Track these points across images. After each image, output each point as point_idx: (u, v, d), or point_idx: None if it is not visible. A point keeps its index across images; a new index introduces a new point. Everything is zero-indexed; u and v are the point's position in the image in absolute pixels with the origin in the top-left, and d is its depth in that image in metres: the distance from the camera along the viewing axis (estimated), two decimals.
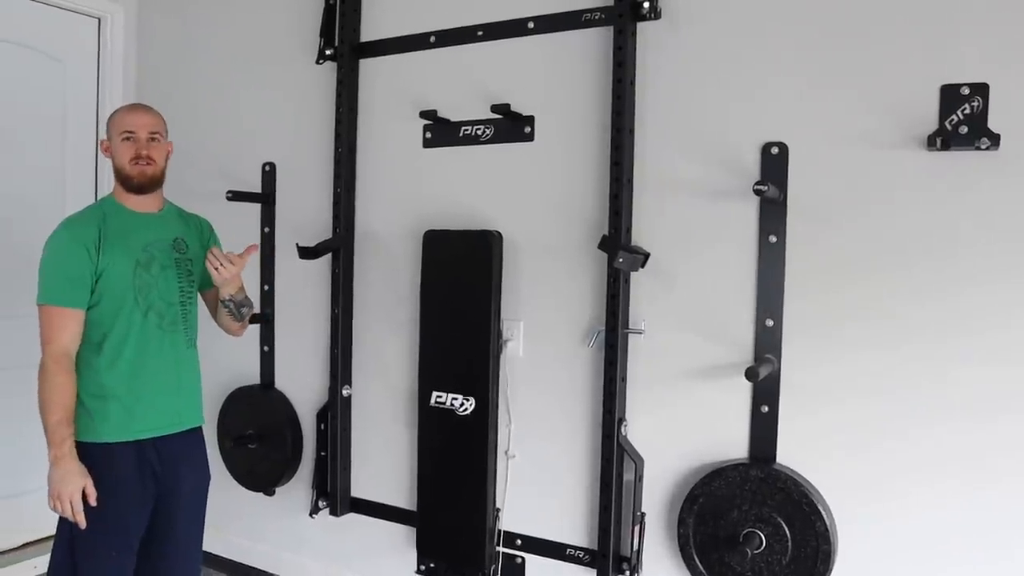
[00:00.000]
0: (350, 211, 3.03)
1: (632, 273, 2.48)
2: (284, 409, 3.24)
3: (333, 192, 3.03)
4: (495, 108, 2.62)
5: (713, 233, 2.40)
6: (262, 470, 3.26)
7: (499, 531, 2.73)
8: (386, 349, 3.01)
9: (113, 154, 2.29)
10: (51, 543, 2.29)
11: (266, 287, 3.28)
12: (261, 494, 3.32)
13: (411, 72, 2.93)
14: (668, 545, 2.49)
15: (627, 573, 2.50)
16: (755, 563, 2.27)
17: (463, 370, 2.70)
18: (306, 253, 2.91)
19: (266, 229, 3.26)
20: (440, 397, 2.72)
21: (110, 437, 2.19)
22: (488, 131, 2.75)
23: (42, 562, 2.36)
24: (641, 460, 2.50)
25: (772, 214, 2.30)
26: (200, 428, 2.44)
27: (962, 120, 2.05)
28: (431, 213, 2.87)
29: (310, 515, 3.10)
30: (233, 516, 3.41)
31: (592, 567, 2.57)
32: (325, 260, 3.05)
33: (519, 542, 2.73)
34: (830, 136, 2.23)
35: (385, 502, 3.03)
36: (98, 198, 3.32)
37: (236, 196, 3.11)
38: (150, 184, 2.30)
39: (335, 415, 3.04)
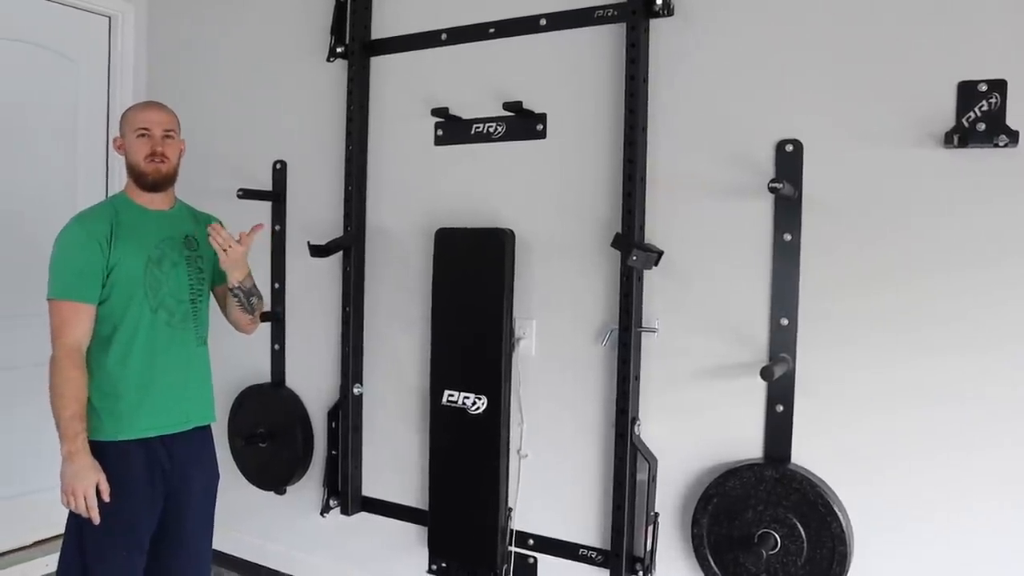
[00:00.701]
0: (361, 209, 3.02)
1: (645, 271, 2.46)
2: (295, 408, 3.23)
3: (344, 190, 3.02)
4: (507, 106, 2.61)
5: (727, 231, 2.38)
6: (273, 469, 3.25)
7: (511, 531, 2.72)
8: (397, 347, 3.00)
9: (127, 151, 2.28)
10: (61, 541, 2.29)
11: (277, 285, 3.28)
12: (272, 493, 3.31)
13: (422, 69, 2.92)
14: (682, 545, 2.48)
15: (640, 573, 2.49)
16: (770, 564, 2.25)
17: (475, 369, 2.69)
18: (317, 251, 2.90)
19: (277, 227, 3.26)
20: (452, 396, 2.71)
21: (119, 435, 2.19)
22: (500, 129, 2.74)
23: (53, 560, 2.35)
24: (655, 460, 2.48)
25: (787, 212, 2.29)
26: (209, 427, 2.44)
27: (980, 117, 2.03)
28: (443, 211, 2.86)
29: (321, 514, 3.10)
30: (244, 515, 3.41)
31: (605, 567, 2.56)
32: (336, 258, 3.05)
33: (531, 542, 2.72)
34: (846, 133, 2.21)
35: (396, 501, 3.02)
36: (108, 195, 3.32)
37: (247, 194, 3.11)
38: (164, 181, 2.30)
39: (346, 414, 3.04)
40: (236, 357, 3.32)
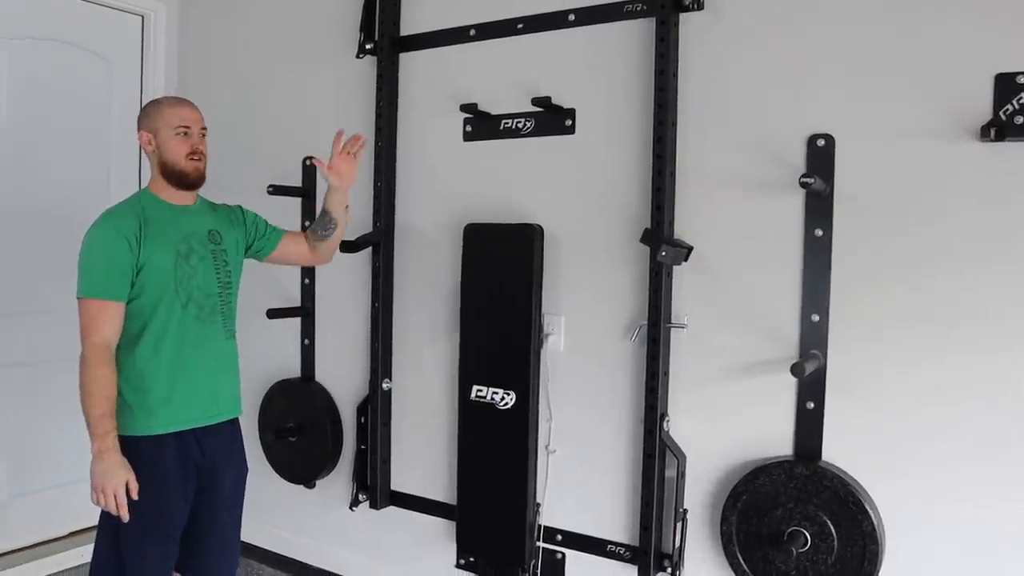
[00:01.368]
0: (390, 205, 3.04)
1: (675, 267, 2.45)
2: (324, 402, 3.26)
3: (373, 186, 3.04)
4: (536, 101, 2.61)
5: (757, 227, 2.36)
6: (303, 463, 3.28)
7: (539, 526, 2.72)
8: (426, 343, 3.01)
9: (162, 148, 2.26)
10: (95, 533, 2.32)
11: (307, 281, 3.30)
12: (302, 486, 3.34)
13: (451, 65, 2.92)
14: (710, 543, 2.46)
15: (668, 570, 2.48)
16: (800, 562, 2.23)
17: (504, 364, 2.69)
18: (346, 247, 2.92)
19: (307, 223, 3.28)
20: (481, 391, 2.72)
21: (152, 430, 2.21)
22: (529, 124, 2.74)
23: (88, 551, 2.39)
24: (683, 456, 2.47)
25: (818, 208, 2.26)
26: (237, 419, 2.46)
27: (1018, 109, 1.99)
28: (471, 206, 2.86)
29: (350, 508, 3.12)
30: (274, 508, 3.45)
31: (633, 563, 2.56)
32: (365, 254, 3.06)
33: (559, 537, 2.72)
34: (879, 127, 2.18)
35: (425, 496, 3.04)
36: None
37: (277, 190, 3.14)
38: (201, 179, 2.32)
39: (375, 409, 3.05)
40: (266, 352, 3.36)
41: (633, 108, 2.54)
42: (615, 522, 2.62)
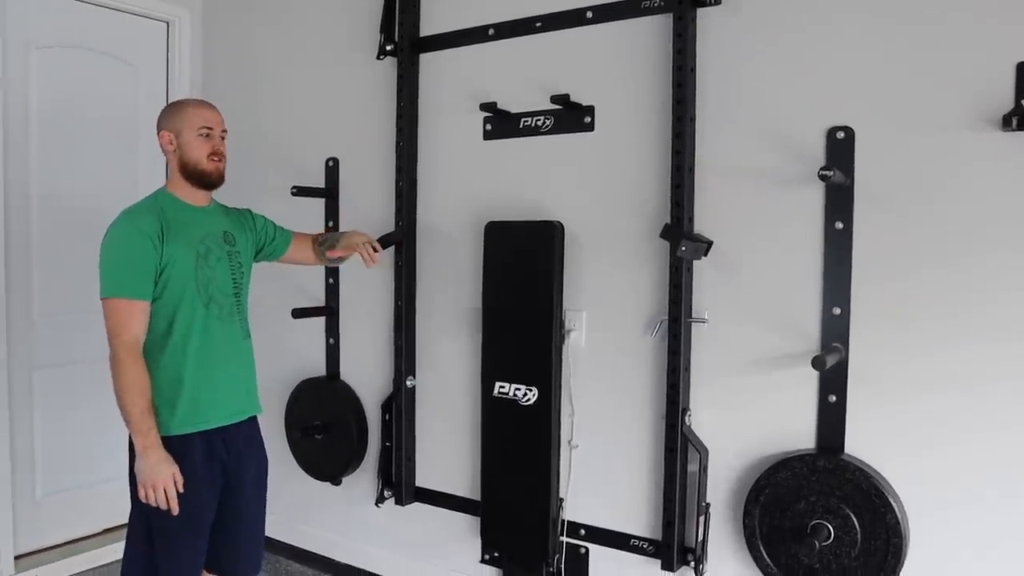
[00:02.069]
0: (412, 204, 3.06)
1: (695, 262, 2.45)
2: (349, 400, 3.29)
3: (395, 185, 3.06)
4: (555, 99, 2.62)
5: (777, 220, 2.36)
6: (329, 460, 3.32)
7: (563, 521, 2.73)
8: (449, 340, 3.03)
9: (184, 148, 2.29)
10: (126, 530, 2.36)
11: (331, 280, 3.34)
12: (328, 483, 3.38)
13: (470, 65, 2.94)
14: (733, 536, 2.47)
15: (692, 564, 2.48)
16: (823, 555, 2.23)
17: (526, 361, 2.71)
18: None
19: (330, 223, 3.32)
20: (503, 387, 2.74)
21: (180, 429, 2.23)
22: (548, 122, 2.75)
23: (121, 548, 2.43)
24: (706, 450, 2.47)
25: (838, 200, 2.26)
26: (256, 417, 2.49)
27: None
28: (492, 204, 2.88)
29: (376, 504, 3.15)
30: (300, 505, 3.49)
31: (656, 557, 2.56)
32: (388, 253, 3.08)
33: (583, 532, 2.73)
34: (899, 119, 2.17)
35: (449, 492, 3.06)
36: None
37: (301, 191, 3.18)
38: (221, 180, 2.34)
39: (399, 406, 3.08)
40: (292, 351, 3.40)
41: (652, 104, 2.55)
42: (638, 516, 2.63)
